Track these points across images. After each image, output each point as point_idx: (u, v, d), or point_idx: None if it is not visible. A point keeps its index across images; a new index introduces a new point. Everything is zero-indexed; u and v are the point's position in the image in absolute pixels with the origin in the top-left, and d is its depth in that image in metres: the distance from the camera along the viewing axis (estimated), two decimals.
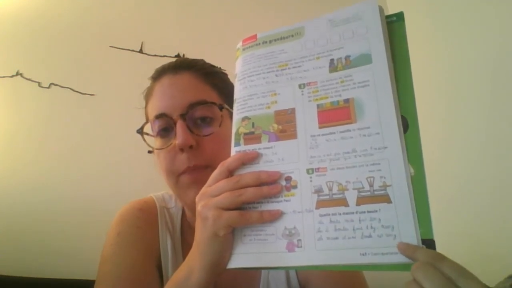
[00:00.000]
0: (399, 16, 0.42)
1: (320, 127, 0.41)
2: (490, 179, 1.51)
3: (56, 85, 1.50)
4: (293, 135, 0.42)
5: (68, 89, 1.50)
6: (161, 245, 0.63)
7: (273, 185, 0.41)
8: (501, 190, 1.45)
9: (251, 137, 0.44)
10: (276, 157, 0.43)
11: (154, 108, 0.64)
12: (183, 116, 0.59)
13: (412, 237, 0.36)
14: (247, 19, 1.95)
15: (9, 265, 1.17)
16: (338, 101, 0.42)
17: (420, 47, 2.01)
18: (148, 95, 0.69)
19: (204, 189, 0.44)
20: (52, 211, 1.31)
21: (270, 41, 0.48)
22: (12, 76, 1.46)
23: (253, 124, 0.45)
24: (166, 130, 0.61)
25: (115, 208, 1.49)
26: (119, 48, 1.63)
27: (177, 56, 1.70)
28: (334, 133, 0.41)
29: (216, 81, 0.68)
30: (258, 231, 0.42)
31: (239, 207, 0.42)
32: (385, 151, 0.39)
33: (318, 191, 0.40)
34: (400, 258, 0.36)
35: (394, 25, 0.42)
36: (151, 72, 1.68)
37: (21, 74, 1.47)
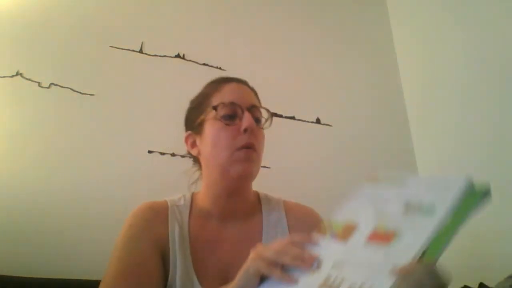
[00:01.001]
0: (484, 189, 0.51)
1: (365, 242, 0.53)
2: (489, 179, 1.51)
3: (56, 85, 1.49)
4: (345, 240, 0.55)
5: (68, 89, 1.50)
6: (170, 232, 0.77)
7: (306, 262, 0.54)
8: (501, 191, 1.45)
9: (322, 231, 0.61)
10: (326, 247, 0.57)
11: (225, 98, 0.80)
12: (249, 109, 0.80)
13: None
14: (247, 19, 1.95)
15: (9, 266, 1.17)
16: (389, 229, 0.52)
17: (420, 47, 2.01)
18: (212, 91, 0.84)
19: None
20: (52, 210, 1.31)
21: (381, 183, 0.63)
22: (12, 76, 1.46)
23: (331, 225, 0.60)
24: (230, 116, 0.79)
25: (114, 207, 1.49)
26: (119, 48, 1.63)
27: (177, 56, 1.71)
28: (368, 247, 0.52)
29: (258, 98, 0.90)
30: (276, 285, 0.54)
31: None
32: (391, 268, 0.46)
33: (327, 279, 0.51)
34: None
35: (473, 194, 0.51)
36: (151, 72, 1.70)
37: (21, 74, 1.47)
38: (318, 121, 1.84)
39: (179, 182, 1.46)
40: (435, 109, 1.83)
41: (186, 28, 1.79)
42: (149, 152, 1.51)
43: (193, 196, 0.86)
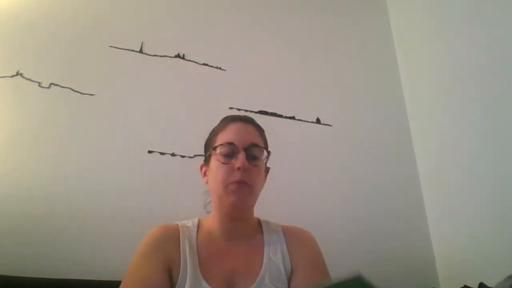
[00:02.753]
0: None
1: None
2: (490, 180, 1.51)
3: (56, 85, 1.49)
4: None
5: (68, 89, 1.50)
6: (181, 246, 0.91)
7: None
8: (501, 191, 1.45)
9: None
10: None
11: (226, 138, 0.94)
12: (245, 149, 0.92)
13: None
14: (247, 19, 1.95)
15: (9, 266, 1.17)
16: None
17: (420, 47, 2.01)
18: (219, 129, 0.98)
19: None
20: (51, 210, 1.31)
21: None
22: (12, 76, 1.46)
23: None
24: (228, 155, 0.92)
25: (114, 207, 1.49)
26: (119, 48, 1.63)
27: (177, 56, 1.71)
28: None
29: (263, 136, 1.02)
30: None
31: None
32: None
33: None
34: None
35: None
36: (151, 72, 1.70)
37: (21, 74, 1.47)
38: (318, 121, 1.84)
39: (179, 182, 1.47)
40: (436, 109, 1.83)
41: (186, 28, 1.80)
42: (149, 152, 1.51)
43: (199, 220, 1.01)
